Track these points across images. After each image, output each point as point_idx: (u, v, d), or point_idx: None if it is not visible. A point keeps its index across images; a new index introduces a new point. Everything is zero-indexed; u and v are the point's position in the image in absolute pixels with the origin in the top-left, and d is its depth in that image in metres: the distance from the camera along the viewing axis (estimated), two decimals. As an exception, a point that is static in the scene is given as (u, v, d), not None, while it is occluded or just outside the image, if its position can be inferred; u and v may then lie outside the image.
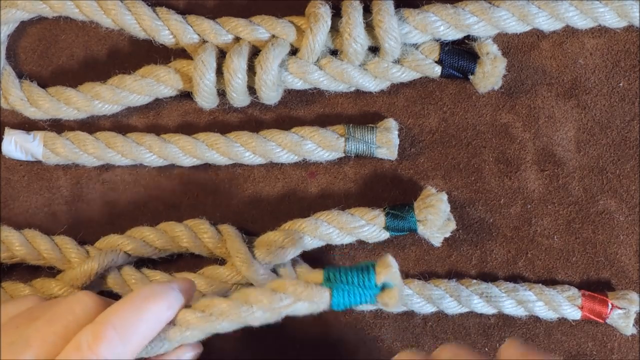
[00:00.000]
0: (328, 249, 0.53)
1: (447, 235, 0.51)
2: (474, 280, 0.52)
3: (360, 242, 0.52)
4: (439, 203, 0.50)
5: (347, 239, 0.51)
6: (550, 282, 0.52)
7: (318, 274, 0.40)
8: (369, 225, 0.51)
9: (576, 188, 0.53)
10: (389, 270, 0.38)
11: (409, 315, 0.52)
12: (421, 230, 0.50)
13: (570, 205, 0.53)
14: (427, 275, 0.53)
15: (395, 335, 0.53)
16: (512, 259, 0.53)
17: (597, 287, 0.53)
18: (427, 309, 0.51)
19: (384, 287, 0.39)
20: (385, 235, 0.51)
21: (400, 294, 0.37)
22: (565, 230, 0.53)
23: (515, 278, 0.52)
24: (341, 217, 0.51)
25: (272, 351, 0.53)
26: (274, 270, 0.51)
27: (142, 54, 0.54)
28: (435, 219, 0.50)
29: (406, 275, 0.53)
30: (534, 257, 0.53)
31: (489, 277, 0.53)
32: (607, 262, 0.53)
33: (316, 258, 0.53)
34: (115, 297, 0.50)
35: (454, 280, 0.52)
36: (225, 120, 0.54)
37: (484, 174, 0.53)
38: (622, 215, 0.53)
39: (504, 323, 0.52)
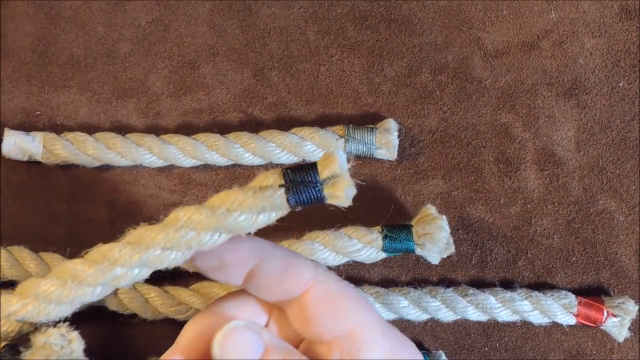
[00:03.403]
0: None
1: (445, 256, 0.50)
2: (471, 290, 0.51)
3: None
4: (439, 232, 0.49)
5: (344, 261, 0.50)
6: (550, 282, 0.52)
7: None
8: (366, 248, 0.50)
9: (576, 188, 0.53)
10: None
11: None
12: (419, 252, 0.50)
13: (570, 205, 0.53)
14: (427, 276, 0.53)
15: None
16: (512, 259, 0.53)
17: (596, 287, 0.52)
18: (422, 317, 0.51)
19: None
20: (382, 255, 0.50)
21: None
22: (565, 230, 0.53)
23: (515, 278, 0.52)
24: (337, 240, 0.50)
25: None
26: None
27: (142, 53, 0.55)
28: (434, 246, 0.49)
29: (405, 276, 0.53)
30: (534, 257, 0.53)
31: (488, 277, 0.53)
32: (607, 262, 0.53)
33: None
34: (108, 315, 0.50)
35: (451, 289, 0.51)
36: (225, 121, 0.54)
37: (484, 173, 0.53)
38: (622, 215, 0.53)
39: (504, 324, 0.52)
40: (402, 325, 0.52)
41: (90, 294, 0.35)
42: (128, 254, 0.34)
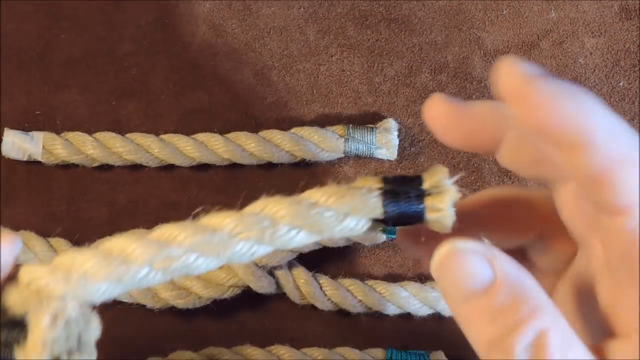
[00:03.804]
0: (325, 250, 0.53)
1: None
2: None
3: (358, 244, 0.52)
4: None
5: (343, 242, 0.51)
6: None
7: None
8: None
9: (576, 188, 0.53)
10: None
11: (407, 315, 0.52)
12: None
13: (570, 204, 0.53)
14: (427, 275, 0.53)
15: (394, 336, 0.53)
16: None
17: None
18: (423, 311, 0.51)
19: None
20: (381, 237, 0.51)
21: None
22: (565, 230, 0.53)
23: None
24: None
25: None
26: (271, 273, 0.51)
27: (142, 53, 0.55)
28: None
29: (406, 274, 0.53)
30: (534, 256, 0.53)
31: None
32: (607, 261, 0.53)
33: (313, 260, 0.53)
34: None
35: None
36: (225, 121, 0.54)
37: (484, 173, 0.53)
38: (622, 215, 0.53)
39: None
40: (403, 322, 0.52)
41: (132, 274, 0.30)
42: (191, 231, 0.30)
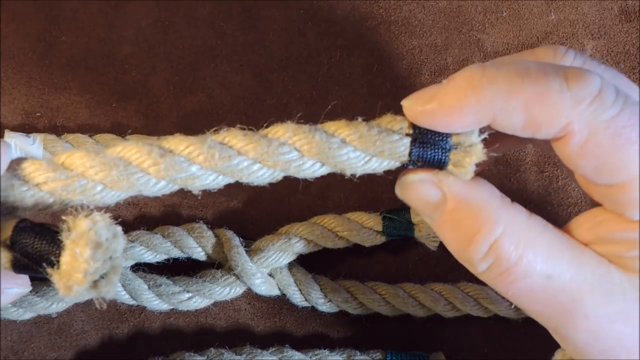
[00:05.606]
0: (325, 252, 0.53)
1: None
2: (470, 284, 0.51)
3: (357, 245, 0.52)
4: None
5: (344, 243, 0.51)
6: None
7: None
8: (366, 230, 0.51)
9: (576, 189, 0.53)
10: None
11: (407, 316, 0.52)
12: (417, 234, 0.50)
13: (569, 206, 0.53)
14: (427, 276, 0.53)
15: (394, 337, 0.53)
16: (512, 261, 0.53)
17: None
18: (423, 312, 0.51)
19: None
20: (382, 239, 0.51)
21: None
22: (565, 232, 0.53)
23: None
24: (338, 221, 0.51)
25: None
26: (271, 275, 0.51)
27: (143, 55, 0.55)
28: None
29: (406, 276, 0.53)
30: (534, 258, 0.53)
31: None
32: (607, 263, 0.53)
33: (313, 262, 0.53)
34: (114, 305, 0.50)
35: (450, 283, 0.51)
36: (225, 123, 0.54)
37: (483, 175, 0.53)
38: (622, 217, 0.53)
39: (504, 324, 0.52)
40: (402, 323, 0.52)
41: (149, 186, 0.30)
42: (217, 154, 0.30)
